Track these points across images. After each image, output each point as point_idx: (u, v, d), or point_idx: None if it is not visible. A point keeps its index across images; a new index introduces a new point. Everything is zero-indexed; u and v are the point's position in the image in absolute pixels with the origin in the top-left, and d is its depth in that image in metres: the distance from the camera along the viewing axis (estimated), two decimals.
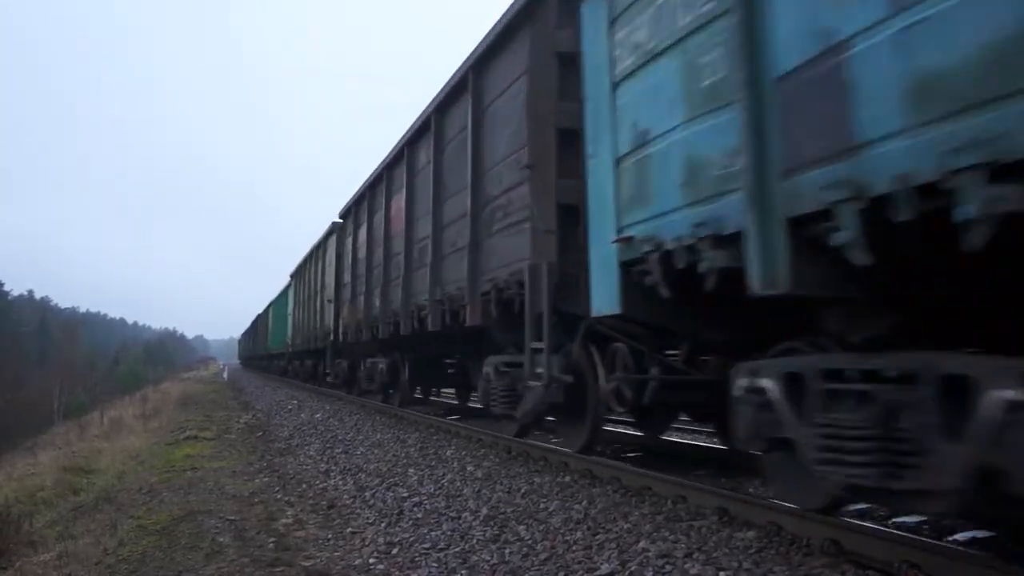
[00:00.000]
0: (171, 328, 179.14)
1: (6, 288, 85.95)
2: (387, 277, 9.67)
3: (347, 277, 12.64)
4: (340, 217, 13.68)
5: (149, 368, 71.94)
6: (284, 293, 25.38)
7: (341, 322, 13.18)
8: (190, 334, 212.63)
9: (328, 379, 15.46)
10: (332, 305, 13.90)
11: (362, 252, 11.45)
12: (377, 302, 10.03)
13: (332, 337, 13.96)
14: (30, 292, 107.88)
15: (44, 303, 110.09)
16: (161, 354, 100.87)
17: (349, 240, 12.70)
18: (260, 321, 37.74)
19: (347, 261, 12.75)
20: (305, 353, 19.64)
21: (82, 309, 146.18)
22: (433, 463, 5.83)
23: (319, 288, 16.22)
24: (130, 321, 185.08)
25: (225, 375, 39.28)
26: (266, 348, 32.41)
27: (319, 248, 16.62)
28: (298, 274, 20.72)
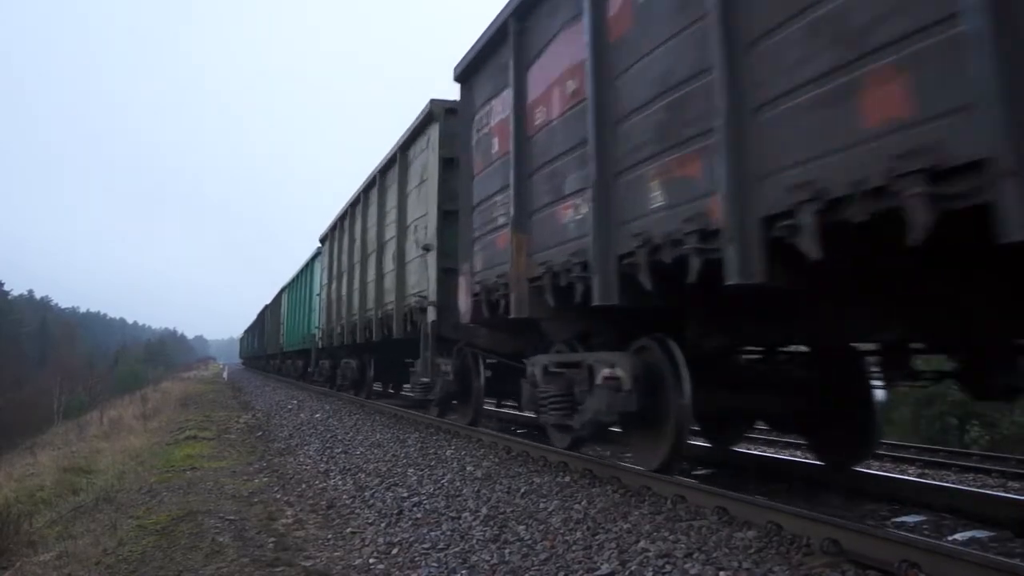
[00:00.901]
0: (171, 328, 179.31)
1: (6, 288, 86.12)
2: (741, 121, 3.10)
3: (491, 185, 5.95)
4: (458, 80, 6.70)
5: (149, 368, 71.96)
6: (307, 268, 18.74)
7: (467, 282, 6.50)
8: (190, 334, 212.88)
9: (414, 392, 8.80)
10: (432, 255, 7.72)
11: (555, 109, 4.89)
12: (660, 197, 3.70)
13: (433, 318, 7.63)
14: (30, 292, 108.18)
15: (44, 303, 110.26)
16: (161, 354, 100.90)
17: (493, 109, 5.93)
18: (269, 312, 30.19)
19: (489, 152, 6.00)
20: (346, 350, 13.32)
21: (82, 309, 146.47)
22: (433, 463, 5.83)
23: (390, 236, 9.79)
24: (130, 321, 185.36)
25: (225, 375, 39.29)
26: (278, 345, 25.49)
27: (390, 166, 9.94)
28: (337, 232, 13.92)
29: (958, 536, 3.50)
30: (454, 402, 8.24)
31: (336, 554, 3.55)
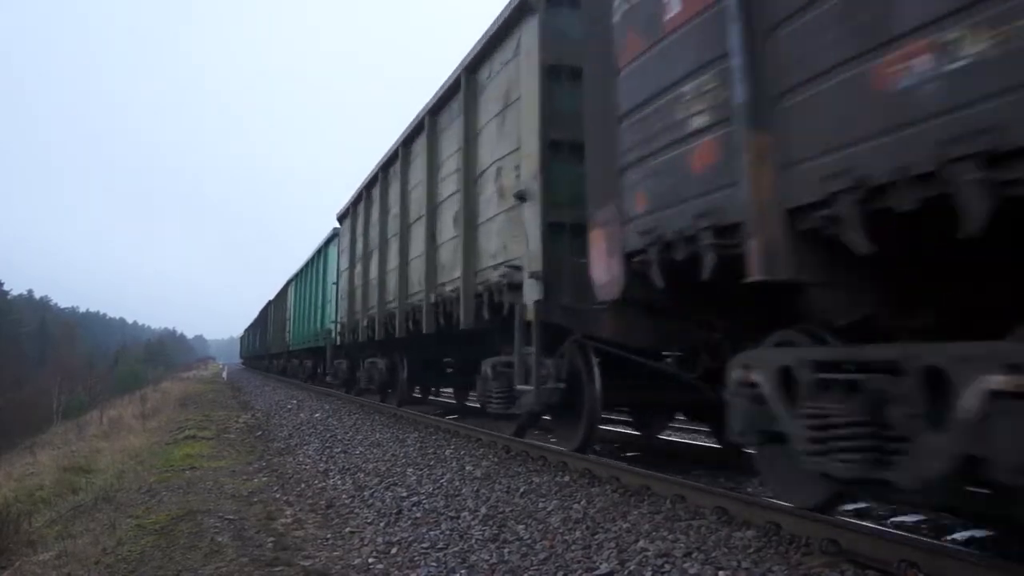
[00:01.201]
0: (171, 328, 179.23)
1: (6, 288, 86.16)
2: None
3: (666, 72, 3.63)
4: None
5: (148, 368, 71.96)
6: (319, 255, 16.87)
7: (612, 236, 4.10)
8: (190, 334, 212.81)
9: (490, 404, 6.19)
10: (534, 206, 5.45)
11: None
12: None
13: (537, 296, 5.36)
14: (30, 292, 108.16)
15: (44, 303, 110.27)
16: (160, 354, 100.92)
17: None
18: (273, 308, 27.91)
19: (657, 22, 3.68)
20: (371, 347, 11.21)
21: (82, 309, 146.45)
22: (432, 463, 5.83)
23: (447, 193, 7.45)
24: (130, 321, 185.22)
25: (225, 375, 39.32)
26: (284, 344, 23.14)
27: (449, 98, 7.56)
28: (361, 205, 11.43)
29: (957, 536, 3.50)
30: (545, 417, 6.13)
31: (335, 554, 3.55)
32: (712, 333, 4.20)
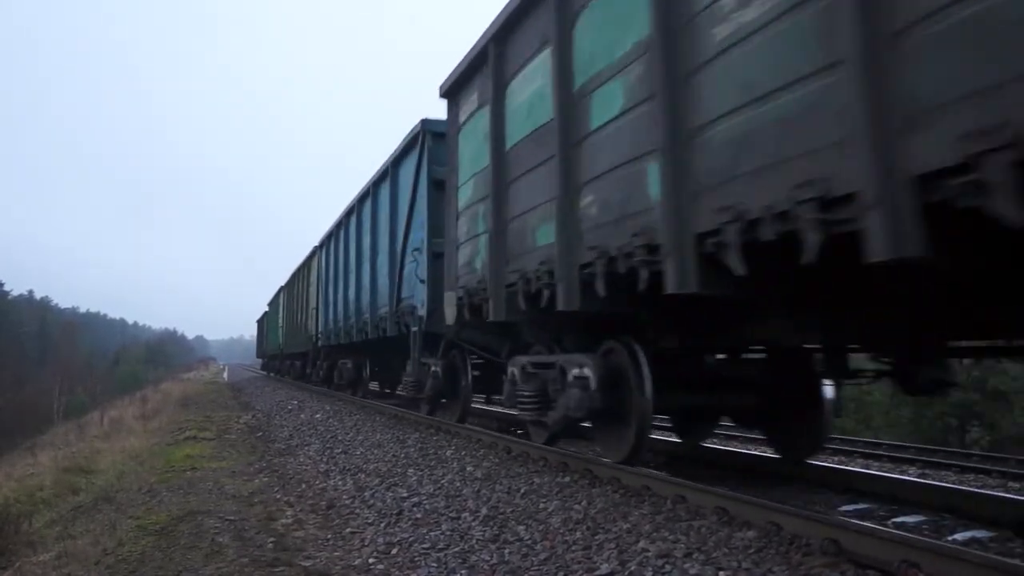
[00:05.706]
0: (171, 328, 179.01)
1: (6, 288, 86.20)
2: None
3: None
4: None
5: (149, 368, 71.96)
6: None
7: None
8: (190, 334, 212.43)
9: None
10: None
11: None
12: None
13: None
14: (30, 292, 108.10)
15: (44, 303, 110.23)
16: (160, 354, 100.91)
17: None
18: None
19: None
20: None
21: (82, 309, 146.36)
22: (433, 463, 5.83)
23: None
24: (130, 321, 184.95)
25: (226, 376, 39.34)
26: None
27: None
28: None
29: (958, 536, 3.50)
30: None
31: (336, 554, 3.55)
32: None
